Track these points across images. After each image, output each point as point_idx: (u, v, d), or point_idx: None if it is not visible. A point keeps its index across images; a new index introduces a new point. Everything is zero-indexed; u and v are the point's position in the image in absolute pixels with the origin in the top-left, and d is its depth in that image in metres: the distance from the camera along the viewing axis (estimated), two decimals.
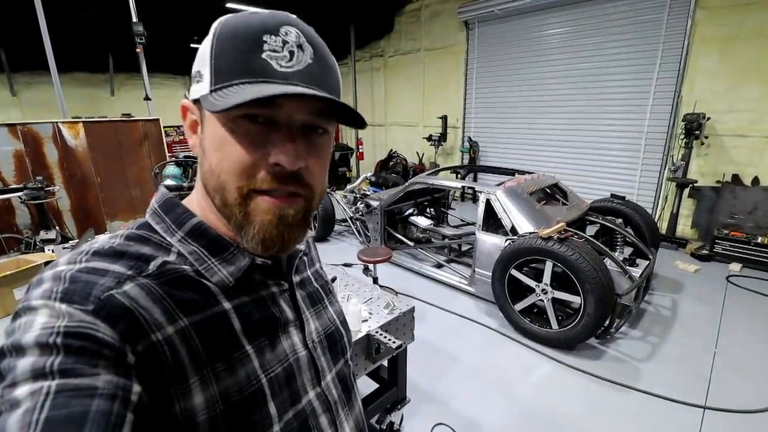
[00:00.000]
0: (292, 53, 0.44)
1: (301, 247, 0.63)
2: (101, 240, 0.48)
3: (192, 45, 8.84)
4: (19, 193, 4.12)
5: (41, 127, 4.61)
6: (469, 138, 7.41)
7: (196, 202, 0.54)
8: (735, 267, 4.18)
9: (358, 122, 0.49)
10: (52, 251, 3.77)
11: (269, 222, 0.47)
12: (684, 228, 5.07)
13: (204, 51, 0.46)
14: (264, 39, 0.43)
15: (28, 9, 4.53)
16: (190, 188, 0.57)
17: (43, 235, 4.24)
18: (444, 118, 7.54)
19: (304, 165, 0.47)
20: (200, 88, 0.46)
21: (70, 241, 3.88)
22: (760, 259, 4.13)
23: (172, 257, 0.48)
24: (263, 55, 0.43)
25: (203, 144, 0.48)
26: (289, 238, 0.49)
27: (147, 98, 5.60)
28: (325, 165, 0.52)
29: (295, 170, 0.46)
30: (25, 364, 0.35)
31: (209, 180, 0.48)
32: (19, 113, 8.02)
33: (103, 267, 0.43)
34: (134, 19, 5.02)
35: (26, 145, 4.53)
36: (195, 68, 0.48)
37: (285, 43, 0.44)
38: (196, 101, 0.48)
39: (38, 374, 0.35)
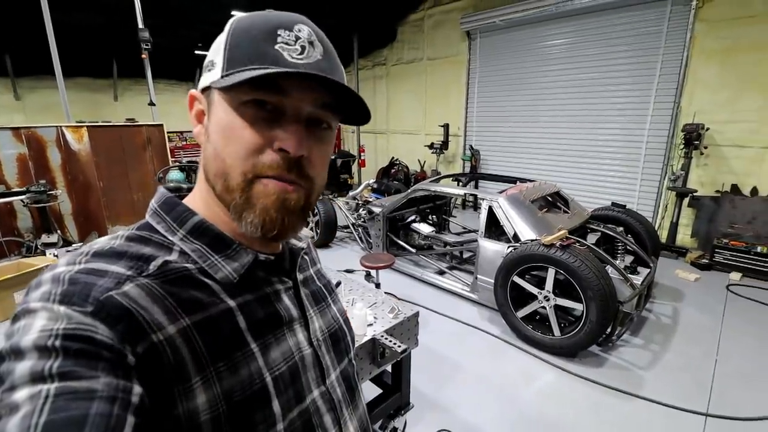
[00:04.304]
0: (303, 48, 0.47)
1: (303, 245, 0.63)
2: (101, 241, 0.48)
3: (196, 52, 8.93)
4: (22, 197, 4.13)
5: (45, 131, 4.64)
6: (471, 146, 7.46)
7: (199, 197, 0.54)
8: (735, 276, 4.20)
9: (363, 115, 0.52)
10: (55, 255, 3.77)
11: (271, 204, 0.48)
12: (684, 237, 5.09)
13: (219, 43, 0.48)
14: (278, 32, 0.46)
15: (32, 15, 4.60)
16: (189, 189, 0.58)
17: (44, 238, 4.24)
18: (446, 127, 7.59)
19: (307, 154, 0.48)
20: (211, 75, 0.48)
21: (73, 245, 3.88)
22: (760, 268, 4.14)
23: (173, 256, 0.48)
24: (276, 46, 0.46)
25: (209, 130, 0.50)
26: (288, 224, 0.50)
27: (151, 103, 5.64)
28: (326, 160, 0.53)
29: (299, 158, 0.47)
30: (23, 367, 0.35)
31: (212, 165, 0.49)
32: (22, 117, 8.05)
33: (102, 268, 0.43)
34: (140, 26, 5.08)
35: (30, 149, 4.55)
36: (207, 59, 0.50)
37: (297, 38, 0.47)
38: (205, 90, 0.50)
39: (37, 377, 0.34)
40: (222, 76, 0.46)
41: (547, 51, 6.21)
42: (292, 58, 0.46)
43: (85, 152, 4.90)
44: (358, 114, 0.52)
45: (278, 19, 0.47)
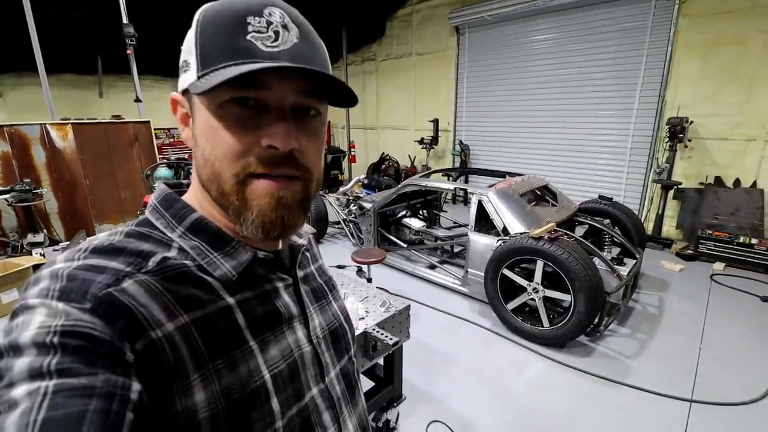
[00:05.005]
0: (277, 33, 0.44)
1: (303, 242, 0.63)
2: (100, 237, 0.48)
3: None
4: (6, 196, 4.06)
5: (29, 129, 4.55)
6: (460, 141, 7.49)
7: (194, 196, 0.53)
8: (718, 266, 4.30)
9: (349, 98, 0.49)
10: (41, 254, 3.72)
11: (267, 205, 0.47)
12: (669, 228, 5.20)
13: (189, 40, 0.47)
14: (248, 21, 0.43)
15: (13, 10, 4.47)
16: (189, 185, 0.57)
17: (30, 238, 4.19)
18: (435, 122, 7.61)
19: (298, 146, 0.47)
20: (188, 77, 0.46)
21: (60, 244, 3.83)
22: (742, 258, 4.24)
23: (173, 253, 0.48)
24: (248, 37, 0.43)
25: (195, 134, 0.48)
26: (289, 222, 0.49)
27: (138, 100, 5.56)
28: (320, 147, 0.52)
29: (289, 152, 0.46)
30: (22, 364, 0.35)
31: (203, 170, 0.48)
32: (3, 115, 7.87)
33: (101, 264, 0.42)
34: (125, 21, 4.99)
35: (13, 147, 4.47)
36: (182, 58, 0.48)
37: (269, 23, 0.44)
38: (185, 92, 0.48)
39: (35, 374, 0.34)
40: (198, 77, 0.45)
41: (535, 46, 6.25)
42: (267, 46, 0.44)
43: (71, 150, 4.82)
44: (344, 95, 0.49)
45: (246, 5, 0.44)
